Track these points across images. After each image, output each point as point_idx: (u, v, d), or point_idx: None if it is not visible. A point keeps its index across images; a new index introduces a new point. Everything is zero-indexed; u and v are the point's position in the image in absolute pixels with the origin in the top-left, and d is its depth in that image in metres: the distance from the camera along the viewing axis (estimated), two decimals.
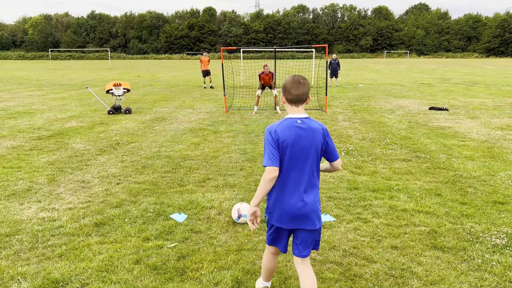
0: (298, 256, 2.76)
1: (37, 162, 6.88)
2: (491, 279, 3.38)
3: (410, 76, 29.86)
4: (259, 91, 12.67)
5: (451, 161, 6.91)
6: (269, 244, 2.90)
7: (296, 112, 2.74)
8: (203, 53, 21.91)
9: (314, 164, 2.72)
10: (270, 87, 12.70)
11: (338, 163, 2.93)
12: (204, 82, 21.25)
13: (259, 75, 12.68)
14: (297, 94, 2.69)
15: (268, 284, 3.12)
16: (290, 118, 2.69)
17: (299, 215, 2.67)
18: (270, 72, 12.52)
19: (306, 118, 2.75)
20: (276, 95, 12.55)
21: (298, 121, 2.69)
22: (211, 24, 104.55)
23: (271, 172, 2.55)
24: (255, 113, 12.42)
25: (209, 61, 21.38)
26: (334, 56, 22.26)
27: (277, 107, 12.67)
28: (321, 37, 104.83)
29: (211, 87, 20.94)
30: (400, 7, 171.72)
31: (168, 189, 5.52)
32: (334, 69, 21.71)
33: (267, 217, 2.80)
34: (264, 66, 12.55)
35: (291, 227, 2.70)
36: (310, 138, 2.69)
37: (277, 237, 2.82)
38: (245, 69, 27.57)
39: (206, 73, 20.96)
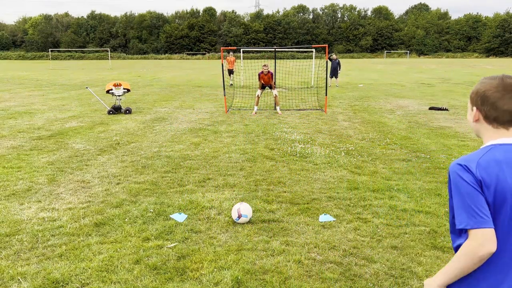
0: None
1: (37, 162, 6.88)
2: None
3: (410, 76, 29.85)
4: (259, 91, 12.65)
5: (451, 161, 6.90)
6: None
7: (506, 136, 1.58)
8: (230, 53, 24.06)
9: None
10: (270, 87, 12.68)
11: None
12: (231, 80, 22.89)
13: (259, 75, 12.67)
14: (510, 111, 1.56)
15: None
16: (502, 145, 1.57)
17: None
18: (269, 72, 12.51)
19: None
20: (276, 95, 12.52)
21: None
22: (211, 24, 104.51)
23: (486, 242, 1.45)
24: (255, 113, 12.41)
25: (235, 61, 23.37)
26: (334, 56, 22.24)
27: (277, 107, 12.66)
28: (321, 37, 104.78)
29: (231, 84, 22.40)
30: (400, 7, 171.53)
31: (168, 189, 5.52)
32: (334, 69, 21.69)
33: None
34: (263, 66, 12.54)
35: None
36: None
37: None
38: (245, 69, 27.57)
39: (230, 71, 22.85)
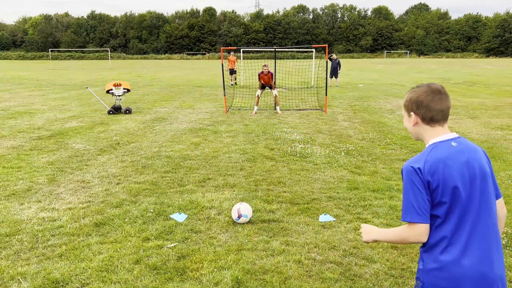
0: None
1: (37, 162, 6.88)
2: None
3: (410, 76, 29.85)
4: (259, 91, 12.65)
5: None
6: None
7: (443, 133, 1.87)
8: (231, 53, 24.17)
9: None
10: (270, 87, 12.67)
11: (502, 204, 1.96)
12: (231, 80, 22.94)
13: (259, 75, 12.67)
14: (441, 109, 1.88)
15: None
16: (442, 142, 1.85)
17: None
18: (269, 72, 12.50)
19: (458, 138, 1.89)
20: (276, 95, 12.51)
21: (453, 143, 1.84)
22: (211, 24, 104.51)
23: (420, 235, 1.80)
24: (255, 113, 12.40)
25: (236, 60, 23.46)
26: (334, 56, 22.24)
27: (277, 107, 12.65)
28: (321, 37, 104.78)
29: (235, 83, 22.73)
30: (400, 7, 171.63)
31: (168, 189, 5.52)
32: (334, 69, 21.68)
33: None
34: (263, 66, 12.54)
35: None
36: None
37: None
38: (245, 69, 27.56)
39: (232, 71, 22.97)
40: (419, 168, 1.77)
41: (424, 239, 1.80)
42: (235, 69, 23.09)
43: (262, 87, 12.70)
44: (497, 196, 1.92)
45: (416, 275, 1.92)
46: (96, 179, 5.95)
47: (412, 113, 1.92)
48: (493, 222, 1.81)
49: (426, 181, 1.75)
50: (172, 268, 3.54)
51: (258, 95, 12.59)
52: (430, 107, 1.86)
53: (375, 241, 1.99)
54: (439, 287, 1.78)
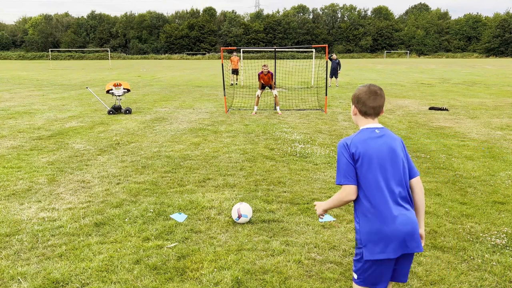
0: None
1: (37, 162, 6.88)
2: (491, 279, 3.38)
3: (410, 76, 29.86)
4: (259, 91, 12.63)
5: (451, 161, 6.91)
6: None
7: (371, 123, 2.42)
8: (233, 53, 24.56)
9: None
10: (270, 87, 12.66)
11: (418, 180, 2.44)
12: (232, 79, 23.25)
13: (259, 75, 12.65)
14: (373, 107, 2.38)
15: None
16: (367, 128, 2.40)
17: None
18: (269, 72, 12.48)
19: (382, 128, 2.43)
20: (276, 95, 12.50)
21: (376, 130, 2.38)
22: (211, 24, 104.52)
23: (349, 194, 2.34)
24: (255, 113, 12.40)
25: (238, 61, 23.65)
26: (334, 56, 22.25)
27: (277, 107, 12.65)
28: (321, 37, 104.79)
29: (236, 83, 22.90)
30: (400, 7, 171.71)
31: (168, 189, 5.52)
32: (334, 69, 21.68)
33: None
34: (263, 66, 12.52)
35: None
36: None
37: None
38: (245, 69, 27.55)
39: (235, 71, 23.27)
40: (347, 143, 2.35)
41: (353, 197, 2.34)
42: (237, 69, 23.31)
43: (262, 87, 12.67)
44: (414, 175, 2.43)
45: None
46: (96, 179, 5.95)
47: (353, 105, 2.47)
48: (401, 179, 2.36)
49: (351, 153, 2.31)
50: (172, 268, 3.54)
51: (258, 95, 12.57)
52: (365, 104, 2.38)
53: (325, 210, 2.52)
54: (373, 250, 2.29)
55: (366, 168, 2.28)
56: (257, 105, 12.60)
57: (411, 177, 2.41)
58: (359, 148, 2.29)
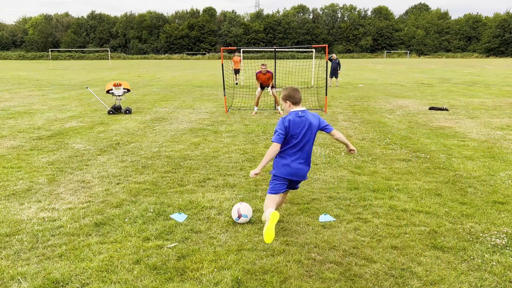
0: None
1: (37, 162, 6.88)
2: (491, 279, 3.38)
3: (410, 76, 29.86)
4: (258, 91, 12.52)
5: (451, 161, 6.91)
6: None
7: (298, 108, 4.05)
8: (235, 54, 25.10)
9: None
10: (269, 87, 12.49)
11: (334, 132, 4.18)
12: (236, 79, 23.54)
13: (256, 74, 12.46)
14: (299, 97, 4.07)
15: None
16: (294, 111, 4.01)
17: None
18: (268, 71, 12.27)
19: (304, 110, 4.06)
20: (275, 95, 12.42)
21: (300, 113, 4.00)
22: (211, 24, 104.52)
23: (276, 148, 3.92)
24: (255, 113, 12.40)
25: (240, 61, 23.95)
26: (334, 56, 22.25)
27: (278, 107, 12.65)
28: (321, 37, 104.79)
29: (236, 83, 23.06)
30: (400, 7, 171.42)
31: (168, 189, 5.52)
32: (334, 69, 21.68)
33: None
34: (261, 65, 12.32)
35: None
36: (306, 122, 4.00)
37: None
38: (245, 69, 27.54)
39: (236, 71, 23.57)
40: (283, 119, 3.94)
41: (277, 152, 3.94)
42: (239, 69, 23.72)
43: (261, 87, 12.55)
44: (329, 129, 4.14)
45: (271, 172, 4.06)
46: (96, 179, 5.95)
47: (287, 101, 4.03)
48: (310, 149, 4.06)
49: (284, 126, 3.91)
50: (172, 268, 3.54)
51: (257, 96, 12.49)
52: (294, 97, 4.02)
53: (260, 170, 3.93)
54: (281, 172, 3.98)
55: (292, 135, 3.93)
56: (257, 105, 12.59)
57: (328, 132, 4.15)
58: (288, 124, 3.92)
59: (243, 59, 29.59)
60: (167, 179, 5.97)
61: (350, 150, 4.28)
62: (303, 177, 4.10)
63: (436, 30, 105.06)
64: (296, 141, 3.92)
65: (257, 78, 12.44)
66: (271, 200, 3.97)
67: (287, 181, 4.04)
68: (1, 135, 9.07)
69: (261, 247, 3.91)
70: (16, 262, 3.63)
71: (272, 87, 12.53)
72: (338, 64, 21.98)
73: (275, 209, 4.01)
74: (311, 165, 4.09)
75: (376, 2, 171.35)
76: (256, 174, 3.91)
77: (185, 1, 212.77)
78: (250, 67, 26.41)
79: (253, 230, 4.27)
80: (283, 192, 4.12)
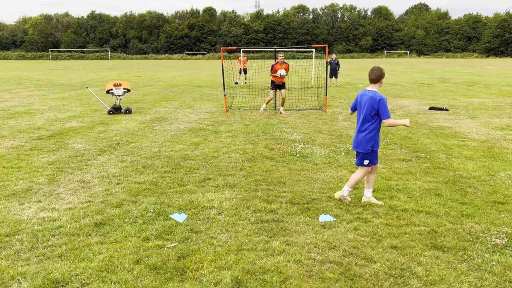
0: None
1: (37, 162, 6.88)
2: (491, 279, 3.38)
3: (410, 76, 29.86)
4: (272, 93, 11.93)
5: (451, 161, 6.91)
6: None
7: (368, 88, 4.79)
8: (242, 54, 25.23)
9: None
10: (282, 86, 11.81)
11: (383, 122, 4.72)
12: (238, 79, 23.67)
13: (272, 66, 11.65)
14: (371, 78, 4.77)
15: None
16: (364, 90, 4.80)
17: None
18: (285, 62, 11.47)
19: (371, 91, 4.71)
20: (283, 97, 12.05)
21: (366, 92, 4.73)
22: (211, 24, 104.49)
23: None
24: (262, 111, 12.10)
25: (246, 60, 24.20)
26: (333, 56, 22.25)
27: (281, 107, 12.31)
28: (321, 37, 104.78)
29: (245, 83, 23.19)
30: (400, 7, 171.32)
31: (168, 189, 5.52)
32: (333, 69, 21.67)
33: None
34: (279, 55, 11.52)
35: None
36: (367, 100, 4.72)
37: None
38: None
39: (244, 71, 23.66)
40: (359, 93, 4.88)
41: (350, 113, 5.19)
42: (245, 68, 23.80)
43: (275, 87, 11.86)
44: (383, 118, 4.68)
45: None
46: (96, 179, 5.95)
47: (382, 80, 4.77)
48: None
49: (356, 98, 4.91)
50: (172, 268, 3.54)
51: (271, 97, 11.95)
52: (368, 76, 4.77)
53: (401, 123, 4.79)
54: (378, 145, 4.93)
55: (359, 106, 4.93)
56: (267, 103, 12.17)
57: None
58: (358, 97, 4.90)
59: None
60: (167, 179, 5.97)
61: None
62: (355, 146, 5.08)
63: (436, 30, 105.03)
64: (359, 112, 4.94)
65: (272, 71, 11.75)
66: (365, 173, 4.92)
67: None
68: (1, 135, 9.07)
69: (261, 247, 3.91)
70: (16, 262, 3.63)
71: (284, 87, 12.06)
72: (337, 64, 21.97)
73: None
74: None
75: (376, 2, 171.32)
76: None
77: (185, 1, 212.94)
78: (250, 67, 26.43)
79: (253, 230, 4.27)
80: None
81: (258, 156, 7.25)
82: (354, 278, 3.40)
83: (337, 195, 5.08)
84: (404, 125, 4.68)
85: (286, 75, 11.81)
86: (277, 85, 12.01)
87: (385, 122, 4.61)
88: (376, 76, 4.64)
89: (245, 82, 23.30)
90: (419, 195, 5.30)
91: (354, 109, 4.99)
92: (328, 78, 21.46)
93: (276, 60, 11.98)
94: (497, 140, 8.57)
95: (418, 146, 8.04)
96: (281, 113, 12.27)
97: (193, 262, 3.63)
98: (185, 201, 5.06)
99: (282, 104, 12.28)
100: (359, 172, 4.93)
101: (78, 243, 3.98)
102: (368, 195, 5.00)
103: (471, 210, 4.78)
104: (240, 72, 23.65)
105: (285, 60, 12.24)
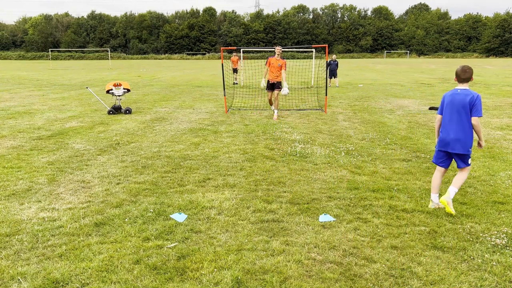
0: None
1: (37, 162, 6.88)
2: (491, 279, 3.38)
3: (410, 76, 29.86)
4: (269, 94, 11.29)
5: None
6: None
7: (457, 87, 4.77)
8: (233, 54, 25.28)
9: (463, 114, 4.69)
10: (278, 86, 10.92)
11: (472, 119, 4.62)
12: (235, 78, 23.84)
13: (268, 60, 10.93)
14: (461, 78, 4.70)
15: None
16: (455, 89, 4.77)
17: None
18: (282, 58, 10.53)
19: (463, 89, 4.70)
20: (277, 97, 11.16)
21: (458, 90, 4.71)
22: (211, 24, 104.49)
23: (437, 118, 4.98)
24: (276, 117, 11.13)
25: (238, 60, 24.33)
26: (334, 56, 22.26)
27: (275, 111, 11.35)
28: (321, 37, 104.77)
29: (236, 83, 23.14)
30: (400, 7, 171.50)
31: (168, 189, 5.52)
32: (333, 70, 21.66)
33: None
34: (276, 48, 10.75)
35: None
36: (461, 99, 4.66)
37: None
38: (245, 69, 27.53)
39: (235, 70, 23.92)
40: (443, 96, 4.88)
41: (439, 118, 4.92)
42: (237, 69, 24.03)
43: (269, 88, 11.08)
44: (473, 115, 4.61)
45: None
46: (96, 179, 5.95)
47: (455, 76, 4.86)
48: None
49: (441, 101, 4.88)
50: (172, 268, 3.54)
51: (269, 97, 11.32)
52: (457, 75, 4.76)
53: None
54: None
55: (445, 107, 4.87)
56: (271, 104, 11.48)
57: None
58: (444, 98, 4.87)
59: (243, 59, 29.59)
60: (167, 179, 5.97)
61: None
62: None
63: (436, 30, 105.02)
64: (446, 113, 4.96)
65: (267, 63, 11.01)
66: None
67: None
68: (1, 135, 9.07)
69: (261, 247, 3.91)
70: (16, 262, 3.63)
71: (280, 88, 11.10)
72: (337, 65, 21.96)
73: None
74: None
75: (376, 2, 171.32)
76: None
77: (185, 1, 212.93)
78: (250, 67, 26.43)
79: (253, 230, 4.27)
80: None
81: (258, 156, 7.25)
82: (354, 278, 3.40)
83: (445, 199, 4.68)
84: (480, 143, 4.83)
85: (287, 94, 10.91)
86: (272, 84, 11.19)
87: (475, 119, 4.57)
88: (469, 75, 4.65)
89: (236, 83, 23.12)
90: (419, 195, 5.30)
91: (442, 112, 4.84)
92: (328, 79, 21.46)
93: (274, 56, 11.03)
94: (497, 140, 8.57)
95: (418, 146, 8.04)
96: (273, 113, 11.32)
97: (193, 262, 3.63)
98: (185, 201, 5.06)
99: (276, 107, 11.31)
100: (465, 172, 4.79)
101: (78, 243, 3.98)
102: (452, 195, 4.71)
103: (471, 210, 4.78)
104: (233, 72, 23.94)
105: (286, 60, 11.49)
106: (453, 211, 4.61)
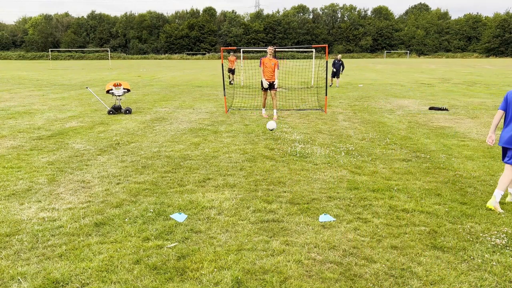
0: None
1: (37, 162, 6.88)
2: (491, 279, 3.38)
3: (410, 76, 29.85)
4: (264, 94, 11.41)
5: (451, 161, 6.91)
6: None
7: None
8: (230, 53, 25.21)
9: None
10: (272, 86, 11.01)
11: None
12: (229, 77, 23.76)
13: (260, 60, 11.03)
14: None
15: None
16: None
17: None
18: (275, 57, 10.63)
19: None
20: (273, 96, 11.26)
21: None
22: (211, 24, 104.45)
23: (500, 113, 4.98)
24: (265, 115, 11.52)
25: (235, 60, 24.31)
26: (338, 56, 22.28)
27: (274, 110, 11.56)
28: (321, 37, 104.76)
29: (231, 83, 23.01)
30: (400, 7, 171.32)
31: (168, 189, 5.52)
32: (337, 70, 21.65)
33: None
34: (269, 48, 10.82)
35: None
36: None
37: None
38: (245, 69, 27.54)
39: (231, 70, 23.74)
40: (507, 93, 4.93)
41: (502, 113, 5.00)
42: (234, 69, 23.88)
43: (264, 88, 11.17)
44: None
45: None
46: (96, 179, 5.95)
47: None
48: None
49: (505, 98, 4.93)
50: (172, 268, 3.54)
51: (264, 97, 11.45)
52: None
53: (492, 131, 5.11)
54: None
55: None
56: (264, 106, 11.69)
57: None
58: (508, 97, 4.89)
59: (243, 59, 29.59)
60: (167, 179, 5.97)
61: None
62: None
63: (436, 30, 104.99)
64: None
65: (260, 64, 11.11)
66: None
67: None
68: (1, 135, 9.07)
69: (261, 247, 3.91)
70: (16, 262, 3.63)
71: (274, 87, 11.20)
72: (342, 65, 21.95)
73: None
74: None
75: (376, 2, 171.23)
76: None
77: (185, 1, 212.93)
78: (250, 67, 26.44)
79: (253, 230, 4.27)
80: None
81: (258, 156, 7.25)
82: (354, 278, 3.40)
83: (491, 204, 4.85)
84: None
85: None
86: (267, 84, 11.20)
87: None
88: None
89: (232, 83, 23.05)
90: (419, 195, 5.30)
91: (504, 108, 4.93)
92: (330, 78, 21.48)
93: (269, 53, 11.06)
94: (497, 140, 8.56)
95: (418, 146, 8.04)
96: (262, 115, 11.48)
97: (193, 262, 3.63)
98: (185, 201, 5.06)
99: (275, 106, 11.44)
100: None
101: (78, 243, 3.98)
102: None
103: (471, 210, 4.78)
104: (228, 72, 23.89)
105: (281, 60, 11.79)
106: None
